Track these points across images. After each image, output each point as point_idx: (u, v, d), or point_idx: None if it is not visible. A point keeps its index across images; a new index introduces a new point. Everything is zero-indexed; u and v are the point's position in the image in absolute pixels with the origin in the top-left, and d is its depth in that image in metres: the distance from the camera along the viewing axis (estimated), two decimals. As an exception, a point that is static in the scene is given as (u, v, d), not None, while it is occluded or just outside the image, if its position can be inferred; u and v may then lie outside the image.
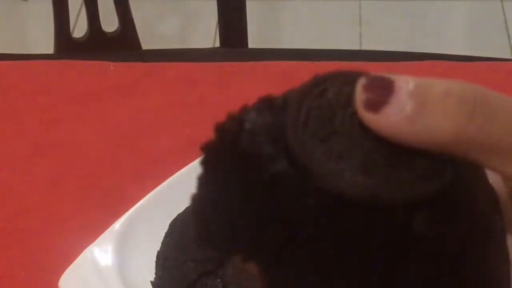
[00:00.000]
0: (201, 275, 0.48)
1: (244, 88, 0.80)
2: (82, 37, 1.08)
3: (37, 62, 0.90)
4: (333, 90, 0.23)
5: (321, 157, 0.22)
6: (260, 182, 0.23)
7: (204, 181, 0.25)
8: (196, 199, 0.26)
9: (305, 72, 0.87)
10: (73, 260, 0.54)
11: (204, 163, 0.25)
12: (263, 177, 0.23)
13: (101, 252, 0.55)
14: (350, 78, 0.23)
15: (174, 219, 0.55)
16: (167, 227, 0.54)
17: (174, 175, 0.61)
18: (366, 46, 1.77)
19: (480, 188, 0.24)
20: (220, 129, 0.25)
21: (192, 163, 0.63)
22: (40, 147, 0.73)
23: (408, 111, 0.22)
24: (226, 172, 0.24)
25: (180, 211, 0.55)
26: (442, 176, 0.22)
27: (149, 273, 0.52)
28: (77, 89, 0.83)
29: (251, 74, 0.82)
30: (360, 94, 0.23)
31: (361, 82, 0.23)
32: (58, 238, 0.61)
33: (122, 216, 0.57)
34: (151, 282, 0.51)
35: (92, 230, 0.56)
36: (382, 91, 0.22)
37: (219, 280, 0.47)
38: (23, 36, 1.99)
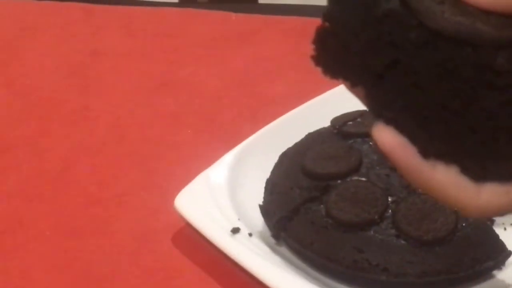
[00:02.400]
0: (306, 200, 0.52)
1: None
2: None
3: (165, 9, 0.96)
4: None
5: (427, 2, 0.27)
6: (375, 15, 0.28)
7: (327, 13, 0.30)
8: (318, 29, 0.31)
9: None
10: (188, 183, 0.58)
11: None
12: (378, 11, 0.28)
13: (214, 177, 0.59)
14: None
15: (284, 151, 0.58)
16: (275, 160, 0.58)
17: (285, 115, 0.65)
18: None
19: None
20: None
21: (301, 106, 0.67)
22: (164, 84, 0.79)
23: None
24: (347, 5, 0.29)
25: (288, 146, 0.59)
26: None
27: (257, 197, 0.56)
28: (200, 35, 0.88)
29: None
30: None
31: None
32: (176, 164, 0.67)
33: (235, 147, 0.62)
34: (260, 205, 0.55)
35: (206, 159, 0.61)
36: None
37: (322, 205, 0.51)
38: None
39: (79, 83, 0.81)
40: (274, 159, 0.59)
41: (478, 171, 0.29)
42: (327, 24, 0.30)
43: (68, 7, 0.97)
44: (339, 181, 0.52)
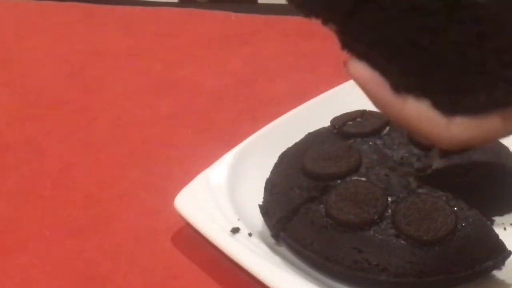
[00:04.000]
0: (306, 200, 0.52)
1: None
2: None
3: (164, 9, 0.96)
4: None
5: None
6: None
7: None
8: None
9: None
10: (187, 183, 0.58)
11: None
12: None
13: (214, 177, 0.59)
14: None
15: (284, 151, 0.58)
16: (275, 160, 0.58)
17: (285, 115, 0.65)
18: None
19: None
20: None
21: (301, 106, 0.67)
22: (164, 83, 0.79)
23: None
24: None
25: (288, 146, 0.59)
26: None
27: (257, 197, 0.56)
28: (200, 35, 0.88)
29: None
30: None
31: None
32: (175, 164, 0.67)
33: (235, 147, 0.62)
34: (259, 205, 0.55)
35: (206, 159, 0.61)
36: None
37: (322, 205, 0.51)
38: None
39: (79, 83, 0.81)
40: (274, 159, 0.59)
41: (448, 105, 0.30)
42: None
43: (68, 7, 0.97)
44: (338, 181, 0.52)
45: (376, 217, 0.49)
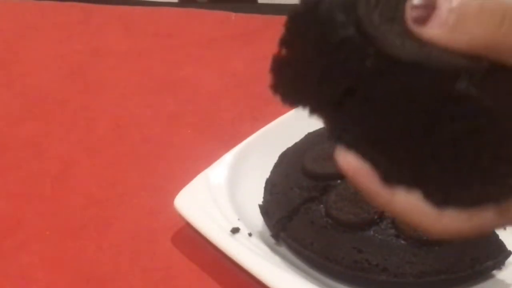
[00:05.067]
0: (305, 200, 0.52)
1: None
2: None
3: (164, 9, 0.96)
4: None
5: (384, 31, 0.27)
6: (331, 43, 0.28)
7: (284, 41, 0.30)
8: (274, 57, 0.30)
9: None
10: (187, 183, 0.58)
11: (287, 25, 0.29)
12: (334, 38, 0.28)
13: (214, 177, 0.59)
14: None
15: (284, 151, 0.59)
16: (275, 160, 0.58)
17: (285, 115, 0.65)
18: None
19: None
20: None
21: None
22: (164, 84, 0.79)
23: (449, 23, 0.27)
24: (304, 32, 0.29)
25: (288, 146, 0.59)
26: (480, 62, 0.26)
27: (257, 197, 0.56)
28: (200, 35, 0.88)
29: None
30: (409, 11, 0.27)
31: (409, 3, 0.27)
32: (175, 164, 0.67)
33: (235, 147, 0.62)
34: (259, 205, 0.55)
35: (206, 159, 0.61)
36: (427, 9, 0.27)
37: (322, 205, 0.51)
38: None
39: (79, 83, 0.81)
40: (274, 159, 0.59)
41: (440, 197, 0.29)
42: (283, 51, 0.30)
43: (68, 7, 0.97)
44: (338, 181, 0.52)
45: (376, 217, 0.49)
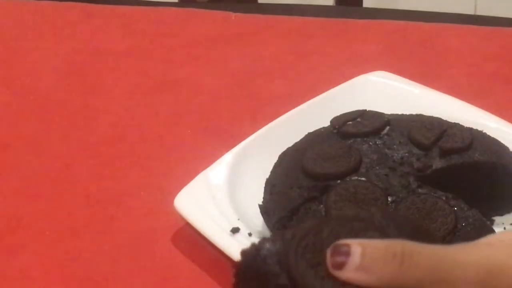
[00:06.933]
0: (305, 200, 0.52)
1: (355, 43, 0.83)
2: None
3: (164, 9, 0.96)
4: (327, 230, 0.34)
5: (309, 276, 0.33)
6: None
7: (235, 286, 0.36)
8: None
9: (417, 31, 0.88)
10: (187, 183, 0.58)
11: (236, 272, 0.35)
12: (271, 287, 0.34)
13: (214, 176, 0.59)
14: (342, 222, 0.35)
15: (284, 151, 0.58)
16: (275, 160, 0.58)
17: (285, 115, 0.65)
18: (481, 11, 1.72)
19: None
20: (243, 252, 0.35)
21: (301, 106, 0.67)
22: (164, 83, 0.79)
23: (361, 267, 0.32)
24: (247, 282, 0.35)
25: (288, 146, 0.59)
26: None
27: (257, 197, 0.56)
28: (200, 35, 0.88)
29: (364, 31, 0.85)
30: (329, 258, 0.33)
31: (329, 251, 0.33)
32: (175, 164, 0.67)
33: (235, 147, 0.62)
34: (259, 205, 0.55)
35: (206, 159, 0.61)
36: (342, 255, 0.33)
37: (322, 205, 0.51)
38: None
39: (79, 83, 0.81)
40: (274, 159, 0.59)
41: None
42: None
43: (68, 7, 0.97)
44: (338, 181, 0.52)
45: (376, 217, 0.49)
